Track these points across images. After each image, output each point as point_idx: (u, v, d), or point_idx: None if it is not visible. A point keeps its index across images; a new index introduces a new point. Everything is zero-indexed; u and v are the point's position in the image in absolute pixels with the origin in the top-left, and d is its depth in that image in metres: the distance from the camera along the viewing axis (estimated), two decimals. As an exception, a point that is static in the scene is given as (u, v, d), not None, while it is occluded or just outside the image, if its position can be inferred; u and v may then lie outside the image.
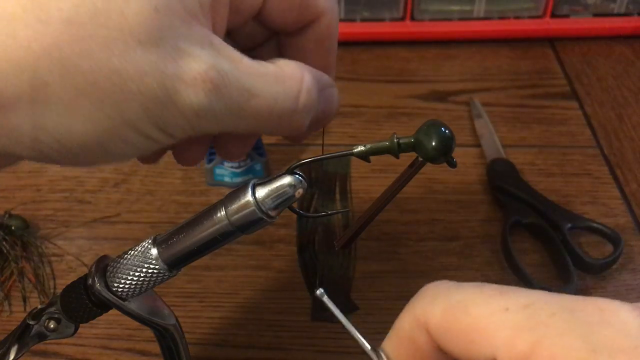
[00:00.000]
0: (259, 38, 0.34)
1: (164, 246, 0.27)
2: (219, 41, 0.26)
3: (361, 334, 0.25)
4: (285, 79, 0.28)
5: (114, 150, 0.26)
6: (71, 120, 0.24)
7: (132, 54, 0.24)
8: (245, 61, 0.27)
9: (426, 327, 0.23)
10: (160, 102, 0.25)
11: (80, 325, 0.31)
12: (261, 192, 0.26)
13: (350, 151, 0.25)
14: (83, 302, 0.29)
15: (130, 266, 0.28)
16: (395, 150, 0.25)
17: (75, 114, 0.24)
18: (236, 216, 0.26)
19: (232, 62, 0.26)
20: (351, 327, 0.25)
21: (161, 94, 0.25)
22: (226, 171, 0.57)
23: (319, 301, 0.25)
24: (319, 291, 0.25)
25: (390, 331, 0.25)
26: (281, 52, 0.34)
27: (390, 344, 0.25)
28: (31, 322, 0.30)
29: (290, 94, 0.28)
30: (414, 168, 0.25)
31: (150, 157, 0.34)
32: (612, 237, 0.52)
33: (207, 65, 0.25)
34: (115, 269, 0.28)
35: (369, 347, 0.24)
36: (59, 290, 0.31)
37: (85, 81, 0.24)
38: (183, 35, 0.25)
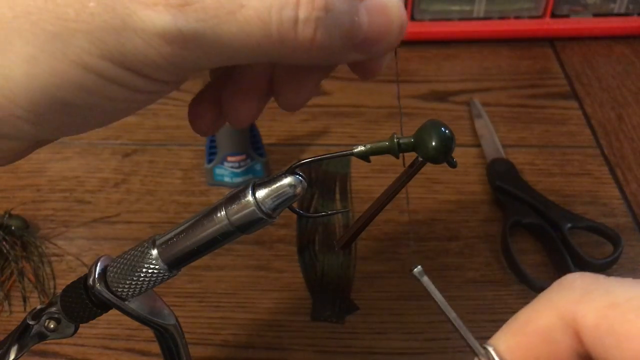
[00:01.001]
0: None
1: (164, 246, 0.27)
2: None
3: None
4: None
5: (81, 103, 0.23)
6: (12, 66, 0.21)
7: None
8: None
9: (574, 329, 0.19)
10: (113, 30, 0.21)
11: (80, 325, 0.31)
12: (261, 192, 0.26)
13: (350, 151, 0.25)
14: (83, 302, 0.29)
15: (130, 266, 0.28)
16: (395, 150, 0.25)
17: (15, 57, 0.21)
18: (236, 216, 0.26)
19: None
20: (451, 312, 0.22)
21: (111, 20, 0.21)
22: (226, 171, 0.57)
23: (415, 280, 0.22)
24: (417, 269, 0.23)
25: (510, 325, 0.21)
26: None
27: (508, 340, 0.21)
28: (31, 322, 0.30)
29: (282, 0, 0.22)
30: (414, 168, 0.25)
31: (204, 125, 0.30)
32: (612, 237, 0.52)
33: None
34: (115, 269, 0.28)
35: (475, 341, 0.21)
36: (59, 290, 0.31)
37: (14, 14, 0.21)
38: None
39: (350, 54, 0.24)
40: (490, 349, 0.21)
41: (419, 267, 0.22)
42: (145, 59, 0.22)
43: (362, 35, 0.24)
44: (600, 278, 0.20)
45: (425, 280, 0.22)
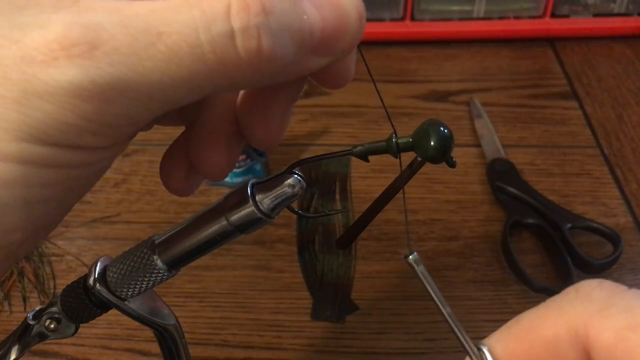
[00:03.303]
0: None
1: (163, 246, 0.27)
2: None
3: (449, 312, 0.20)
4: None
5: (16, 203, 0.19)
6: None
7: None
8: (135, 4, 0.19)
9: (584, 345, 0.17)
10: (14, 103, 0.18)
11: (80, 325, 0.31)
12: (260, 191, 0.26)
13: (349, 151, 0.25)
14: (83, 302, 0.29)
15: (130, 266, 0.28)
16: (394, 149, 0.25)
17: None
18: (235, 216, 0.26)
19: (105, 10, 0.19)
20: (446, 306, 0.21)
21: (8, 93, 0.18)
22: (226, 171, 0.57)
23: (411, 268, 0.21)
24: (413, 255, 0.21)
25: (511, 327, 0.20)
26: None
27: (508, 344, 0.19)
28: (32, 322, 0.30)
29: (214, 12, 0.19)
30: (413, 168, 0.25)
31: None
32: (612, 237, 0.52)
33: (62, 27, 0.18)
34: (115, 269, 0.28)
35: (468, 339, 0.20)
36: (59, 290, 0.31)
37: None
38: (15, 3, 0.19)
39: (310, 60, 0.21)
40: (485, 350, 0.20)
41: (415, 254, 0.21)
42: (65, 125, 0.19)
43: (318, 35, 0.21)
44: (621, 291, 0.18)
45: (421, 269, 0.21)
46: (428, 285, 0.21)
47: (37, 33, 0.18)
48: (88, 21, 0.18)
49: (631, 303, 0.17)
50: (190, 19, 0.19)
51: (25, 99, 0.18)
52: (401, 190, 0.26)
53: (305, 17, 0.20)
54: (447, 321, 0.21)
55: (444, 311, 0.21)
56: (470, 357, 0.20)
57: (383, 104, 0.25)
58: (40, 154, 0.19)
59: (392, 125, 0.24)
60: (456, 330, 0.21)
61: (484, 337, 0.21)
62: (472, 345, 0.20)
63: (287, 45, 0.20)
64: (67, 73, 0.18)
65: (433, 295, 0.21)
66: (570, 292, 0.19)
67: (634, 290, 0.18)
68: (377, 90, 0.26)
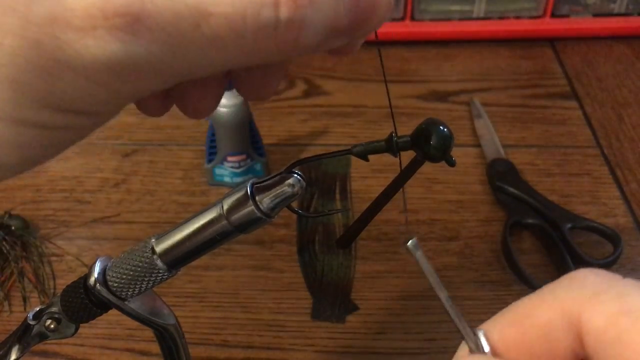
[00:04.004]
0: None
1: (162, 246, 0.27)
2: None
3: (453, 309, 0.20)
4: None
5: (15, 161, 0.19)
6: None
7: None
8: None
9: (577, 329, 0.18)
10: (42, 71, 0.17)
11: (80, 325, 0.31)
12: (260, 191, 0.26)
13: (349, 150, 0.25)
14: (83, 302, 0.29)
15: (130, 266, 0.28)
16: (393, 149, 0.25)
17: None
18: (235, 216, 0.26)
19: None
20: (443, 290, 0.20)
21: (38, 59, 0.16)
22: (226, 171, 0.57)
23: (410, 253, 0.21)
24: (412, 241, 0.21)
25: (507, 313, 0.20)
26: None
27: (504, 330, 0.19)
28: (32, 322, 0.30)
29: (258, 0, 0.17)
30: (412, 167, 0.25)
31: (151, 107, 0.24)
32: (612, 237, 0.52)
33: None
34: (115, 269, 0.28)
35: (465, 324, 0.20)
36: (59, 290, 0.31)
37: None
38: None
39: (333, 41, 0.20)
40: (481, 334, 0.20)
41: (414, 239, 0.21)
42: (90, 97, 0.18)
43: (347, 21, 0.20)
44: (614, 278, 0.18)
45: (419, 255, 0.21)
46: (426, 270, 0.21)
47: None
48: None
49: (623, 290, 0.17)
50: (239, 2, 0.17)
51: (56, 69, 0.17)
52: (401, 190, 0.26)
53: (342, 5, 0.19)
54: (444, 306, 0.21)
55: (441, 295, 0.21)
56: (467, 341, 0.20)
57: (390, 103, 0.25)
58: (56, 119, 0.18)
59: (394, 124, 0.24)
60: (453, 314, 0.21)
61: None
62: (468, 329, 0.20)
63: (320, 34, 0.19)
64: (105, 47, 0.16)
65: (430, 279, 0.21)
66: (565, 279, 0.19)
67: (627, 279, 0.18)
68: (387, 89, 0.25)
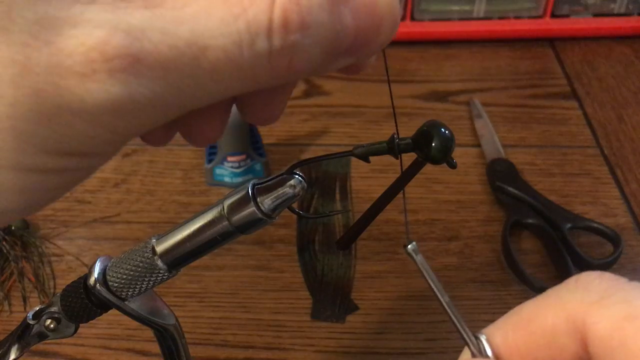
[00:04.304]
0: None
1: (163, 246, 0.27)
2: None
3: (454, 312, 0.20)
4: (243, 3, 0.17)
5: (17, 206, 0.19)
6: None
7: None
8: None
9: (582, 334, 0.17)
10: (43, 118, 0.17)
11: (80, 325, 0.31)
12: (261, 192, 0.26)
13: (350, 151, 0.25)
14: (83, 302, 0.29)
15: (130, 266, 0.28)
16: (395, 150, 0.25)
17: None
18: (236, 217, 0.26)
19: (146, 8, 0.16)
20: (444, 295, 0.21)
21: (39, 107, 0.16)
22: (226, 171, 0.57)
23: (410, 257, 0.21)
24: (412, 245, 0.21)
25: (510, 317, 0.20)
26: None
27: (507, 334, 0.19)
28: (31, 322, 0.30)
29: (257, 26, 0.17)
30: (413, 168, 0.25)
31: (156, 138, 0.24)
32: (612, 237, 0.52)
33: (102, 32, 0.16)
34: (115, 269, 0.28)
35: (467, 329, 0.20)
36: (59, 290, 0.30)
37: None
38: None
39: (334, 62, 0.20)
40: (483, 339, 0.20)
41: (414, 243, 0.21)
42: (91, 140, 0.18)
43: (348, 42, 0.19)
44: (620, 282, 0.18)
45: (420, 259, 0.21)
46: (426, 274, 0.21)
47: (73, 35, 0.16)
48: (129, 25, 0.16)
49: (630, 294, 0.17)
50: (235, 33, 0.17)
51: (57, 115, 0.17)
52: (402, 191, 0.26)
53: (340, 27, 0.19)
54: (445, 310, 0.21)
55: (442, 300, 0.21)
56: (469, 346, 0.20)
57: (392, 104, 0.25)
58: (58, 163, 0.18)
59: (396, 126, 0.24)
60: (454, 319, 0.21)
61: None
62: (470, 334, 0.20)
63: (317, 56, 0.19)
64: (107, 90, 0.16)
65: (431, 284, 0.21)
66: (570, 282, 0.19)
67: (633, 283, 0.18)
68: (390, 90, 0.25)
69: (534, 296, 0.50)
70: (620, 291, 0.17)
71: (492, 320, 0.52)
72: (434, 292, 0.21)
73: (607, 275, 0.18)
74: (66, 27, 0.16)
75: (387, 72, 0.25)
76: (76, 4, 0.16)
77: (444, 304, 0.21)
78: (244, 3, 0.17)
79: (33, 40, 0.16)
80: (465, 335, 0.20)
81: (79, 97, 0.16)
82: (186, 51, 0.17)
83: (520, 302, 0.53)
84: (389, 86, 0.26)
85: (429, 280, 0.21)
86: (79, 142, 0.18)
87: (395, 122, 0.25)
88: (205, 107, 0.21)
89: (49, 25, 0.16)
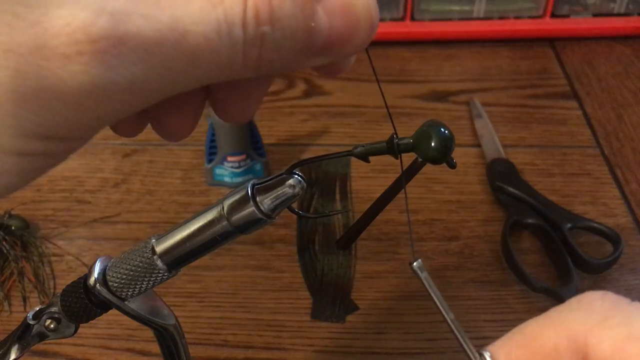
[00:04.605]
0: None
1: (163, 246, 0.27)
2: None
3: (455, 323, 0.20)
4: None
5: None
6: None
7: None
8: None
9: (584, 354, 0.18)
10: (25, 99, 0.16)
11: (80, 325, 0.31)
12: (260, 192, 0.26)
13: (350, 151, 0.25)
14: (83, 302, 0.29)
15: (130, 266, 0.28)
16: (394, 150, 0.25)
17: None
18: (236, 216, 0.26)
19: None
20: (449, 312, 0.21)
21: (21, 88, 0.16)
22: (226, 171, 0.57)
23: (415, 274, 0.21)
24: (417, 262, 0.21)
25: (513, 335, 0.20)
26: None
27: (510, 352, 0.20)
28: (32, 322, 0.30)
29: (234, 15, 0.18)
30: (413, 169, 0.25)
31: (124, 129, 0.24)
32: (612, 237, 0.52)
33: (87, 13, 0.16)
34: (115, 269, 0.28)
35: (471, 346, 0.20)
36: (59, 290, 0.30)
37: None
38: None
39: (308, 60, 0.20)
40: (487, 356, 0.20)
41: (419, 260, 0.21)
42: (71, 123, 0.18)
43: (322, 41, 0.20)
44: (622, 303, 0.18)
45: (425, 276, 0.21)
46: (432, 292, 0.21)
47: (58, 16, 0.16)
48: (113, 8, 0.16)
49: (631, 315, 0.18)
50: (214, 20, 0.18)
51: (38, 97, 0.17)
52: (402, 191, 0.26)
53: (313, 24, 0.19)
54: (450, 327, 0.21)
55: (447, 317, 0.21)
56: None
57: (386, 104, 0.25)
58: (35, 147, 0.18)
59: (394, 126, 0.24)
60: (459, 336, 0.21)
61: (485, 337, 0.21)
62: (474, 351, 0.20)
63: (288, 50, 0.19)
64: (90, 73, 0.16)
65: (436, 301, 0.21)
66: (572, 302, 0.19)
67: (635, 303, 0.18)
68: (381, 90, 0.25)
69: (533, 296, 0.50)
70: (621, 312, 0.18)
71: (491, 320, 0.52)
72: (439, 309, 0.21)
73: (609, 296, 0.19)
74: (52, 8, 0.16)
75: (374, 71, 0.25)
76: None
77: (449, 321, 0.21)
78: None
79: (17, 21, 0.16)
80: (469, 352, 0.21)
81: (62, 79, 0.16)
82: (168, 35, 0.17)
83: (520, 302, 0.53)
84: (379, 86, 0.26)
85: (434, 298, 0.21)
86: (58, 125, 0.17)
87: (392, 122, 0.25)
88: (179, 99, 0.21)
89: (34, 5, 0.16)
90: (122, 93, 0.18)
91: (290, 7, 0.18)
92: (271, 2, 0.18)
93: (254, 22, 0.18)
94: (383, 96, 0.25)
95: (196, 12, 0.17)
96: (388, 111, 0.25)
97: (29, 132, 0.17)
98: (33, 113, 0.17)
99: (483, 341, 0.22)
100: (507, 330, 0.51)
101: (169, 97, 0.20)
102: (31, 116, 0.17)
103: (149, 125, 0.26)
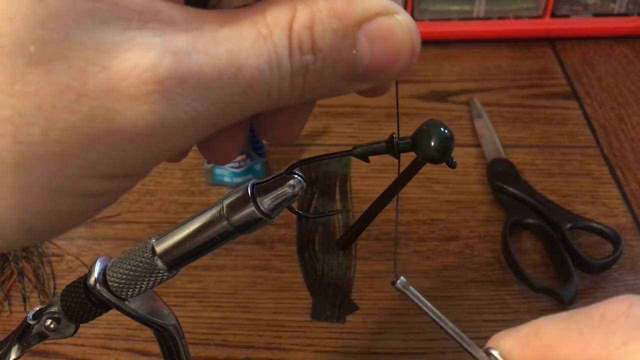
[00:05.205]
0: None
1: (163, 246, 0.27)
2: (160, 3, 0.18)
3: (455, 331, 0.20)
4: (269, 27, 0.19)
5: (51, 227, 0.19)
6: None
7: (12, 87, 0.16)
8: (207, 22, 0.18)
9: None
10: (95, 142, 0.17)
11: (80, 325, 0.31)
12: (260, 192, 0.26)
13: (349, 151, 0.25)
14: (83, 302, 0.29)
15: (130, 266, 0.28)
16: (394, 150, 0.25)
17: None
18: (235, 216, 0.26)
19: (188, 31, 0.18)
20: (447, 322, 0.21)
21: (92, 132, 0.17)
22: (226, 171, 0.57)
23: (401, 292, 0.21)
24: (400, 280, 0.21)
25: (529, 338, 0.20)
26: None
27: (524, 355, 0.20)
28: (32, 322, 0.30)
29: (282, 47, 0.19)
30: (413, 168, 0.25)
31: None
32: (612, 237, 0.52)
33: (153, 54, 0.17)
34: (115, 269, 0.28)
35: (475, 347, 0.20)
36: (59, 290, 0.31)
37: None
38: (97, 15, 0.16)
39: (351, 86, 0.21)
40: (496, 354, 0.20)
41: (402, 278, 0.21)
42: (136, 161, 0.18)
43: (363, 68, 0.20)
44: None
45: (412, 291, 0.21)
46: (423, 306, 0.21)
47: (127, 59, 0.16)
48: (176, 48, 0.17)
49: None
50: (266, 53, 0.18)
51: (108, 139, 0.17)
52: (401, 191, 0.26)
53: (354, 51, 0.20)
54: (451, 336, 0.21)
55: (445, 326, 0.21)
56: None
57: (397, 104, 0.25)
58: (99, 186, 0.18)
59: (398, 125, 0.24)
60: (462, 341, 0.21)
61: (485, 337, 0.21)
62: (481, 352, 0.20)
63: (332, 78, 0.20)
64: (158, 112, 0.17)
65: (429, 313, 0.21)
66: (595, 315, 0.19)
67: None
68: (397, 90, 0.25)
69: (533, 296, 0.50)
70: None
71: (491, 320, 0.52)
72: (435, 321, 0.21)
73: (634, 310, 0.18)
74: (120, 51, 0.16)
75: (396, 93, 0.25)
76: (128, 29, 0.17)
77: (449, 329, 0.21)
78: (269, 26, 0.18)
79: (90, 66, 0.16)
80: (476, 355, 0.20)
81: (131, 119, 0.17)
82: (226, 70, 0.18)
83: (520, 302, 0.53)
84: (397, 87, 0.26)
85: (427, 311, 0.21)
86: (124, 164, 0.18)
87: (398, 122, 0.25)
88: (228, 126, 0.22)
89: (104, 50, 0.16)
90: (185, 129, 0.18)
91: (332, 37, 0.19)
92: (314, 32, 0.19)
93: (298, 52, 0.19)
94: (397, 96, 0.25)
95: (249, 46, 0.18)
96: (397, 112, 0.25)
97: (96, 172, 0.18)
98: (102, 154, 0.17)
99: (483, 341, 0.22)
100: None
101: (223, 127, 0.20)
102: (100, 157, 0.17)
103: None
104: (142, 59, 0.17)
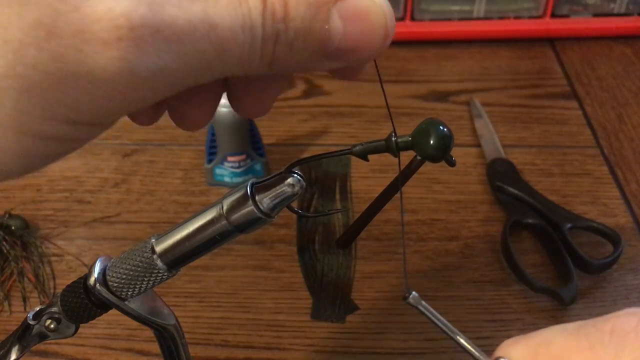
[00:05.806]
0: None
1: (162, 246, 0.27)
2: None
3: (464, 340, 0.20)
4: None
5: (16, 168, 0.19)
6: None
7: None
8: None
9: None
10: (61, 83, 0.17)
11: (80, 325, 0.31)
12: (260, 191, 0.26)
13: (349, 150, 0.25)
14: (83, 302, 0.29)
15: (130, 266, 0.28)
16: (393, 149, 0.25)
17: None
18: (235, 216, 0.26)
19: None
20: (459, 335, 0.21)
21: (59, 72, 0.17)
22: (226, 171, 0.57)
23: (411, 307, 0.21)
24: (413, 295, 0.21)
25: (538, 349, 0.20)
26: None
27: (530, 357, 0.20)
28: (32, 322, 0.30)
29: (256, 13, 0.19)
30: (412, 167, 0.25)
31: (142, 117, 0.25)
32: (612, 237, 0.52)
33: (128, 1, 0.17)
34: (115, 269, 0.28)
35: (486, 358, 0.20)
36: (59, 290, 0.30)
37: None
38: None
39: (322, 62, 0.21)
40: None
41: (414, 293, 0.21)
42: (100, 109, 0.18)
43: (335, 45, 0.20)
44: None
45: (424, 305, 0.21)
46: (435, 320, 0.21)
47: (101, 2, 0.16)
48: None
49: None
50: (240, 16, 0.19)
51: (74, 81, 0.17)
52: (400, 191, 0.26)
53: (327, 26, 0.20)
54: (464, 348, 0.21)
55: (458, 339, 0.21)
56: None
57: (387, 102, 0.25)
58: (62, 130, 0.18)
59: (393, 124, 0.24)
60: (476, 354, 0.21)
61: (485, 337, 0.21)
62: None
63: (301, 50, 0.20)
64: (127, 59, 0.17)
65: (442, 327, 0.21)
66: (605, 330, 0.19)
67: None
68: (383, 89, 0.25)
69: (533, 296, 0.50)
70: None
71: (491, 320, 0.52)
72: (447, 334, 0.21)
73: None
74: None
75: (377, 71, 0.25)
76: None
77: (462, 342, 0.21)
78: None
79: (62, 4, 0.16)
80: None
81: (99, 64, 0.17)
82: (199, 26, 0.18)
83: (520, 302, 0.53)
84: (382, 86, 0.26)
85: (439, 324, 0.21)
86: (88, 110, 0.18)
87: (391, 119, 0.25)
88: (199, 90, 0.22)
89: None
90: (153, 80, 0.18)
91: (305, 9, 0.19)
92: (287, 2, 0.19)
93: (270, 19, 0.19)
94: (385, 95, 0.25)
95: (224, 8, 0.18)
96: (388, 109, 0.25)
97: (59, 115, 0.18)
98: (67, 97, 0.17)
99: (483, 341, 0.22)
100: (507, 330, 0.51)
101: (192, 86, 0.20)
102: (65, 100, 0.17)
103: (149, 126, 0.27)
104: (117, 4, 0.17)
